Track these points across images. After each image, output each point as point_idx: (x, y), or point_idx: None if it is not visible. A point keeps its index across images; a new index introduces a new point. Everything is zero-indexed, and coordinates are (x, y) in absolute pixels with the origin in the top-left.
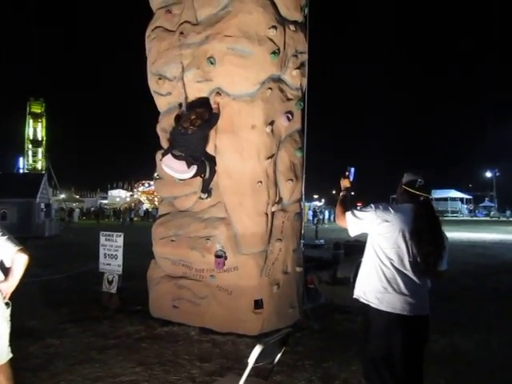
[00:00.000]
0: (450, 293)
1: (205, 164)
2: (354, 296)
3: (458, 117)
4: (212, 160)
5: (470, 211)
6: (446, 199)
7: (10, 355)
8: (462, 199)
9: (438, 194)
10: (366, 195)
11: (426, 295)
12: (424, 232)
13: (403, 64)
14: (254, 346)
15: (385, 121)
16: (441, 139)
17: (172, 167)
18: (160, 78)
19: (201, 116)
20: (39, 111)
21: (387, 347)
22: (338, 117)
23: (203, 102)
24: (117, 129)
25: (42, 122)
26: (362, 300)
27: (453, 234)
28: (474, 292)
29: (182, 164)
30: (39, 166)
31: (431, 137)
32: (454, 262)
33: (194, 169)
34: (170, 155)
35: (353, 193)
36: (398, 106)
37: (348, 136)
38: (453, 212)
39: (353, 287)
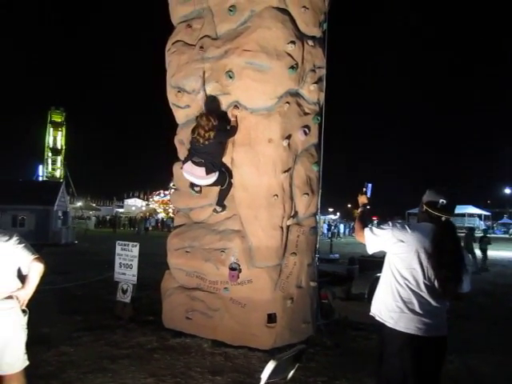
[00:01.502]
0: (466, 312)
1: (225, 174)
2: (371, 313)
3: (478, 132)
4: (229, 173)
5: (488, 228)
6: (463, 215)
7: (26, 363)
8: (479, 215)
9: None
10: (382, 210)
11: (443, 316)
12: (443, 255)
13: (422, 79)
14: (266, 361)
15: (402, 135)
16: (459, 154)
17: (192, 173)
18: (179, 91)
19: (211, 127)
20: (59, 120)
21: (402, 368)
22: (355, 131)
23: (219, 115)
24: (134, 139)
25: (61, 130)
26: (377, 318)
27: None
28: (491, 311)
29: (202, 170)
30: (58, 174)
31: (449, 152)
32: (471, 280)
33: (214, 176)
34: (190, 162)
35: (368, 207)
36: (416, 120)
37: (364, 150)
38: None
39: (367, 303)
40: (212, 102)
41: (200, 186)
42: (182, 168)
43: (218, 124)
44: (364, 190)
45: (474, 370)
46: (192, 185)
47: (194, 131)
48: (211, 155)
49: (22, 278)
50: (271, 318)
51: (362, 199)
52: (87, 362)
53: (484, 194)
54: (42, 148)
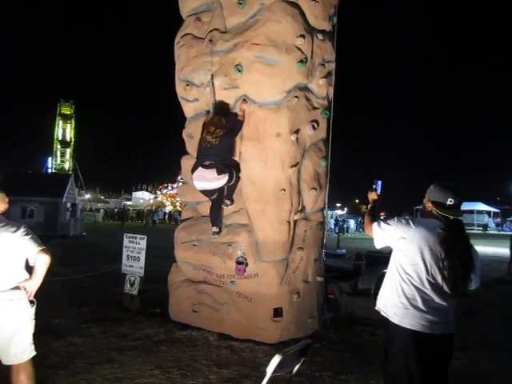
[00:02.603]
0: (474, 309)
1: (232, 172)
2: (376, 308)
3: (487, 128)
4: (236, 167)
5: (498, 225)
6: (472, 212)
7: (34, 353)
8: (489, 212)
9: (464, 206)
10: (390, 205)
11: (449, 313)
12: (453, 255)
13: (431, 75)
14: (271, 354)
15: (410, 130)
16: (468, 151)
17: (203, 177)
18: (188, 85)
19: (221, 125)
20: (69, 113)
21: (407, 365)
22: (363, 126)
23: (223, 111)
24: (143, 133)
25: (71, 123)
26: (382, 313)
27: (479, 249)
28: (499, 309)
29: (213, 171)
30: (67, 166)
31: (458, 148)
32: (481, 278)
33: (225, 177)
34: (199, 168)
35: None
36: (425, 115)
37: (372, 145)
38: (479, 225)
39: (374, 299)
40: (219, 97)
41: (231, 200)
42: (191, 179)
43: (227, 124)
44: (374, 186)
45: (481, 367)
46: (209, 194)
47: (203, 131)
48: (220, 156)
49: (30, 269)
50: (277, 312)
51: (373, 196)
52: (95, 353)
53: (493, 191)
54: (51, 140)
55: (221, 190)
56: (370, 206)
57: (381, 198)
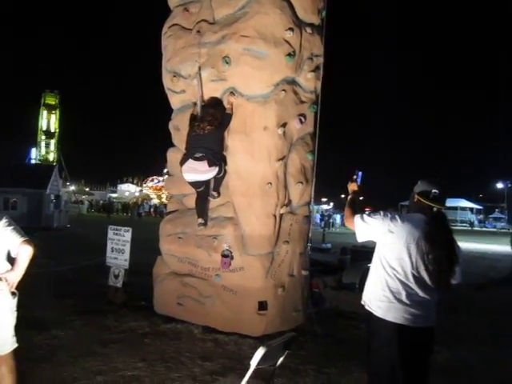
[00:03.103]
0: (455, 304)
1: (222, 164)
2: (361, 302)
3: (472, 126)
4: (223, 160)
5: (480, 222)
6: (455, 208)
7: (15, 345)
8: (471, 209)
9: (447, 202)
10: (375, 201)
11: (432, 306)
12: (437, 247)
13: (418, 73)
14: (256, 347)
15: (397, 127)
16: (452, 148)
17: (194, 169)
18: (175, 76)
19: (216, 117)
20: (53, 103)
21: (390, 357)
22: (350, 121)
23: (216, 103)
24: (128, 124)
25: (55, 113)
26: (366, 307)
27: (462, 244)
28: (481, 304)
29: (204, 163)
30: (51, 157)
31: (443, 145)
32: (462, 272)
33: (215, 169)
34: (189, 160)
35: (361, 198)
36: (411, 113)
37: (359, 141)
38: (462, 222)
39: (358, 293)
40: (206, 89)
41: (218, 192)
42: (181, 171)
43: (218, 116)
44: (354, 177)
45: (464, 361)
46: (197, 186)
47: (194, 122)
48: (211, 149)
49: (12, 260)
50: (262, 306)
51: (353, 186)
52: (78, 346)
53: (476, 188)
54: (36, 131)
55: (208, 182)
56: (350, 197)
57: (361, 189)
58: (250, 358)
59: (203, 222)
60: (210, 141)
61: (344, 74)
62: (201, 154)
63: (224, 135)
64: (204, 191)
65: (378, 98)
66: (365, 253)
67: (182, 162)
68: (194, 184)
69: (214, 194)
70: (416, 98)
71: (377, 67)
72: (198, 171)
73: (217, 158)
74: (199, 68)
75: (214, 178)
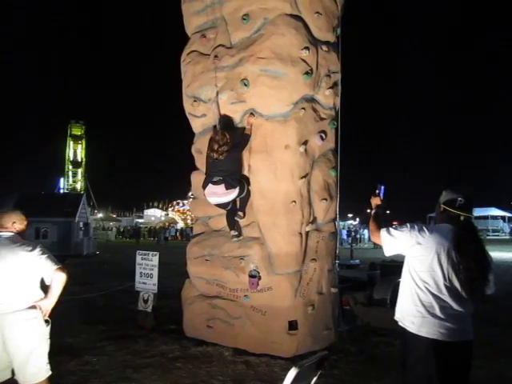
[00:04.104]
0: (493, 316)
1: (243, 183)
2: (395, 318)
3: (499, 132)
4: (246, 180)
5: None
6: (486, 217)
7: (49, 372)
8: (503, 217)
9: (477, 212)
10: (403, 214)
11: (468, 320)
12: (467, 256)
13: (441, 78)
14: (288, 369)
15: (422, 136)
16: (480, 155)
17: (214, 192)
18: (195, 101)
19: (225, 142)
20: (79, 133)
21: (427, 374)
22: (374, 135)
23: (230, 125)
24: (152, 151)
25: (81, 143)
26: (399, 323)
27: (495, 254)
28: None
29: (222, 187)
30: (78, 186)
31: (470, 152)
32: (497, 283)
33: (235, 191)
34: (210, 184)
35: (388, 211)
36: (435, 121)
37: (385, 154)
38: (494, 231)
39: (390, 309)
40: (230, 119)
41: (239, 232)
42: (204, 195)
43: (232, 139)
44: (377, 191)
45: (504, 376)
46: (223, 207)
47: (209, 147)
48: (228, 171)
49: (45, 288)
50: (292, 325)
51: (376, 201)
52: (110, 372)
53: (507, 195)
54: (63, 161)
55: (234, 200)
56: (373, 211)
57: (384, 203)
58: (282, 379)
59: (236, 233)
60: (227, 164)
61: (365, 84)
62: (218, 178)
63: (241, 155)
64: (232, 208)
65: (400, 107)
66: (394, 267)
67: (204, 186)
68: (220, 206)
69: (240, 214)
70: (441, 106)
71: (398, 75)
72: (218, 194)
73: (234, 179)
74: (217, 93)
75: (239, 197)
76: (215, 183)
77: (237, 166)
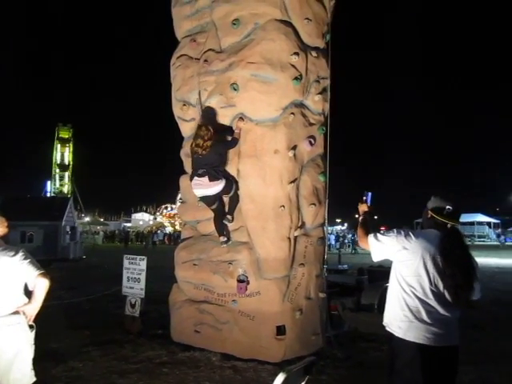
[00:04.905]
0: (479, 322)
1: (231, 182)
2: (383, 323)
3: (486, 139)
4: (235, 180)
5: (498, 236)
6: (472, 223)
7: (34, 379)
8: (489, 223)
9: (464, 218)
10: (389, 220)
11: (454, 325)
12: (452, 263)
13: (428, 87)
14: (276, 374)
15: (409, 143)
16: (467, 162)
17: (200, 184)
18: (184, 105)
19: (209, 137)
20: (67, 136)
21: (413, 379)
22: (362, 140)
23: (209, 121)
24: (140, 154)
25: (69, 146)
26: (387, 329)
27: (481, 260)
28: (505, 321)
29: (206, 179)
30: (65, 189)
31: (457, 159)
32: (483, 288)
33: (220, 183)
34: (195, 177)
35: (376, 217)
36: (423, 127)
37: (372, 160)
38: (480, 237)
39: (377, 314)
40: (214, 114)
41: (232, 216)
42: (191, 186)
43: (216, 135)
44: (364, 198)
45: (489, 382)
46: (209, 203)
47: (193, 142)
48: (212, 165)
49: (29, 293)
50: (280, 330)
51: (363, 207)
52: (96, 377)
53: (493, 202)
54: (50, 164)
55: (221, 200)
56: (361, 218)
57: (371, 210)
58: None
59: (225, 239)
60: (211, 158)
61: (354, 88)
62: (202, 170)
63: (226, 152)
64: (219, 210)
65: (388, 114)
66: (382, 273)
67: (190, 179)
68: (205, 200)
69: (229, 217)
70: (428, 111)
71: (384, 80)
72: (203, 185)
73: (218, 171)
74: (199, 93)
75: (228, 198)
76: (200, 175)
77: (220, 160)
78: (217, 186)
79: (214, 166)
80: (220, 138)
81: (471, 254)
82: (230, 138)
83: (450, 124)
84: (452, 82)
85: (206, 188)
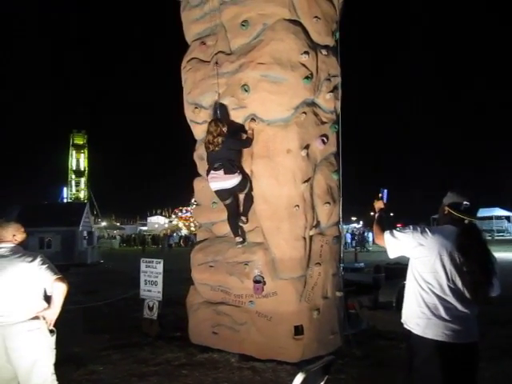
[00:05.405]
0: (500, 317)
1: (246, 179)
2: (402, 320)
3: (502, 131)
4: (249, 178)
5: None
6: (490, 218)
7: (55, 383)
8: (507, 217)
9: (482, 212)
10: (406, 216)
11: (473, 321)
12: (471, 260)
13: (447, 80)
14: (294, 374)
15: (425, 136)
16: (483, 154)
17: (216, 177)
18: (196, 107)
19: (219, 133)
20: (81, 143)
21: (433, 376)
22: (378, 137)
23: (221, 120)
24: (155, 158)
25: (84, 152)
26: (405, 326)
27: (500, 255)
28: None
29: (221, 172)
30: (82, 195)
31: (473, 152)
32: (504, 284)
33: (236, 176)
34: (211, 171)
35: (392, 214)
36: (438, 120)
37: (387, 156)
38: (499, 231)
39: (395, 312)
40: (226, 113)
41: (246, 217)
42: (207, 181)
43: (228, 130)
44: (380, 195)
45: (511, 378)
46: (223, 197)
47: (205, 139)
48: (226, 158)
49: (48, 298)
50: (298, 330)
51: (379, 204)
52: (116, 380)
53: (510, 195)
54: (66, 171)
55: (235, 197)
56: (377, 215)
57: (387, 207)
58: None
59: (241, 239)
60: (223, 152)
61: (367, 86)
62: (218, 164)
63: (240, 151)
64: (233, 206)
65: (402, 111)
66: (399, 270)
67: (207, 173)
68: (220, 195)
69: (244, 219)
70: (443, 102)
71: (401, 77)
72: (218, 178)
73: (233, 164)
74: (218, 95)
75: (243, 195)
76: (215, 169)
77: (234, 154)
78: (232, 180)
79: (229, 159)
80: (232, 135)
81: (489, 250)
82: (244, 137)
83: (464, 119)
84: (470, 82)
85: (222, 181)
